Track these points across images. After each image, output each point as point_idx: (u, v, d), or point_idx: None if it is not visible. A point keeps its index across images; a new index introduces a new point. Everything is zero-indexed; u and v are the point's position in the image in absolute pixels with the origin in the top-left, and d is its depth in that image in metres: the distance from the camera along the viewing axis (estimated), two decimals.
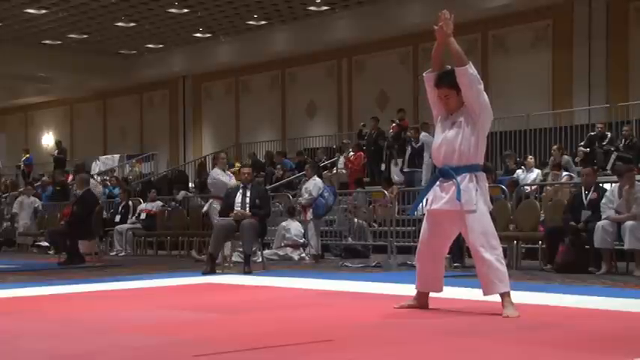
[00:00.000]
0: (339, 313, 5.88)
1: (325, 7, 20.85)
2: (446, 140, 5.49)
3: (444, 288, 5.82)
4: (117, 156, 26.00)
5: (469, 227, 5.40)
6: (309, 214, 12.54)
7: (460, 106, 5.52)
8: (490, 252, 5.35)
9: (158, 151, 26.44)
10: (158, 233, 15.66)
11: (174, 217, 15.52)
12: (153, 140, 27.86)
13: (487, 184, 5.62)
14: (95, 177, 21.64)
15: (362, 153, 17.80)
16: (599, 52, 17.86)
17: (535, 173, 14.29)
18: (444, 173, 5.51)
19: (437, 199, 5.53)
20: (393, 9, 19.90)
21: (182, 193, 18.08)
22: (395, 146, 17.55)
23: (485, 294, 5.44)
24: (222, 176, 12.02)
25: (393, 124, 17.74)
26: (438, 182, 5.57)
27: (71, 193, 17.24)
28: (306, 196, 12.58)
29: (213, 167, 13.57)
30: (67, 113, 31.68)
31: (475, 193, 5.41)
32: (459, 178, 5.39)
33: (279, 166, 19.26)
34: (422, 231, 5.72)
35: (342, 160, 18.43)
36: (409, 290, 5.92)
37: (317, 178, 12.84)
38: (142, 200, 17.03)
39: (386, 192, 13.90)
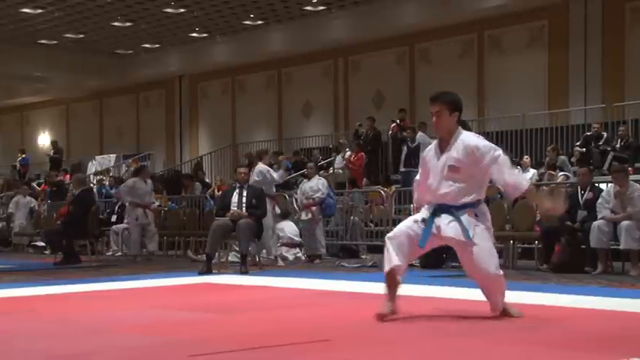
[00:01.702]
0: (335, 313, 5.89)
1: (321, 7, 20.83)
2: (435, 186, 5.16)
3: (438, 288, 5.82)
4: (113, 156, 25.92)
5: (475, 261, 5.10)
6: (317, 213, 12.37)
7: (453, 130, 5.14)
8: (495, 268, 5.14)
9: (154, 151, 26.41)
10: None
11: (171, 217, 15.52)
12: (149, 140, 27.82)
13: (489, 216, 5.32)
14: (91, 177, 21.55)
15: (363, 153, 17.78)
16: (595, 52, 17.86)
17: (531, 173, 14.27)
18: (443, 210, 5.13)
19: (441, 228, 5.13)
20: (389, 9, 19.88)
21: (198, 185, 17.97)
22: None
23: (494, 311, 5.23)
24: (271, 172, 11.92)
25: (393, 124, 17.74)
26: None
27: (68, 193, 17.18)
28: (318, 194, 12.43)
29: (256, 163, 12.15)
30: (63, 113, 31.61)
31: (475, 227, 5.10)
32: (460, 216, 5.09)
33: (275, 166, 19.22)
34: (405, 223, 5.28)
35: (338, 159, 18.40)
36: (404, 290, 5.91)
37: (320, 178, 12.80)
38: None
39: (382, 192, 13.89)
